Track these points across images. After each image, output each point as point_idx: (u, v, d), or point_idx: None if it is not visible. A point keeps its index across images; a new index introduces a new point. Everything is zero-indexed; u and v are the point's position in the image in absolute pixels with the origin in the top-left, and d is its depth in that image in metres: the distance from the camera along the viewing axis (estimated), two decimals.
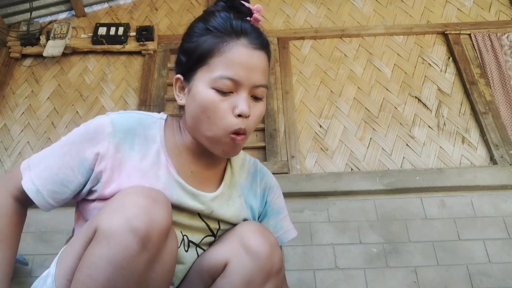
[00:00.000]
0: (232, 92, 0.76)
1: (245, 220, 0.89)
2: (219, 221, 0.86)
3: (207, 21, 0.80)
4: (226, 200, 0.87)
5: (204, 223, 0.84)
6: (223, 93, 0.75)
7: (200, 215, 0.84)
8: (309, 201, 2.02)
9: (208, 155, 0.84)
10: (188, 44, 0.81)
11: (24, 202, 0.81)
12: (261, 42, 0.81)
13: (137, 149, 0.80)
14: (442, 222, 1.96)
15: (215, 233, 0.86)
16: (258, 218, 0.96)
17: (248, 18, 0.83)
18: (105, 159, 0.77)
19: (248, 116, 0.77)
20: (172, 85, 2.47)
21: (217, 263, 0.77)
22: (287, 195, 1.99)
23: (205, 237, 0.85)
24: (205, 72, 0.77)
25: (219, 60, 0.76)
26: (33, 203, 0.79)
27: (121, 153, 0.78)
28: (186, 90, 0.81)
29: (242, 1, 0.84)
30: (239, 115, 0.75)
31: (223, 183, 0.88)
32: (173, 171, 0.80)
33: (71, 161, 0.77)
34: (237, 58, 0.76)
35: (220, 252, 0.78)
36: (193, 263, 0.84)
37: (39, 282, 0.78)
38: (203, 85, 0.76)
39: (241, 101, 0.76)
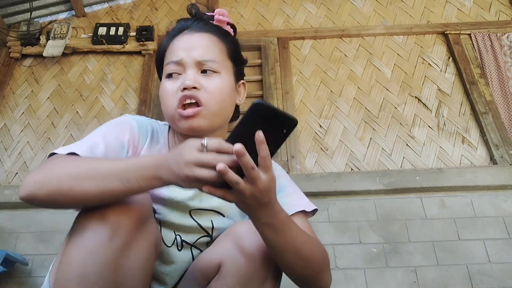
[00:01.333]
0: (181, 74, 0.83)
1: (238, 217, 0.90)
2: (212, 220, 0.87)
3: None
4: None
5: (195, 222, 0.86)
6: (171, 76, 0.83)
7: (191, 214, 0.86)
8: None
9: None
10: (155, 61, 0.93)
11: None
12: (202, 26, 0.87)
13: (146, 147, 0.86)
14: (442, 222, 1.96)
15: (210, 233, 0.87)
16: None
17: (211, 21, 0.91)
18: (131, 148, 0.83)
19: (194, 87, 0.79)
20: None
21: (210, 264, 0.76)
22: None
23: (200, 237, 0.86)
24: (163, 71, 0.87)
25: (167, 55, 0.87)
26: None
27: (137, 146, 0.85)
28: None
29: (206, 12, 0.92)
30: (184, 88, 0.79)
31: None
32: None
33: (113, 142, 0.81)
34: (177, 44, 0.85)
35: (213, 253, 0.77)
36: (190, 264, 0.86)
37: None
38: (162, 82, 0.86)
39: (184, 76, 0.81)
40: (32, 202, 0.66)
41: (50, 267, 0.77)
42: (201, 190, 0.61)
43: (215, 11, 0.92)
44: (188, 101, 0.79)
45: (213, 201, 0.87)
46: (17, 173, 2.25)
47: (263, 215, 0.66)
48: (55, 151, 0.76)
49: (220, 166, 0.58)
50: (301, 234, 0.73)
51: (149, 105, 2.44)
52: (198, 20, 0.89)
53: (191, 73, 0.81)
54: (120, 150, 0.81)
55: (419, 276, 1.82)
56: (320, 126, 2.35)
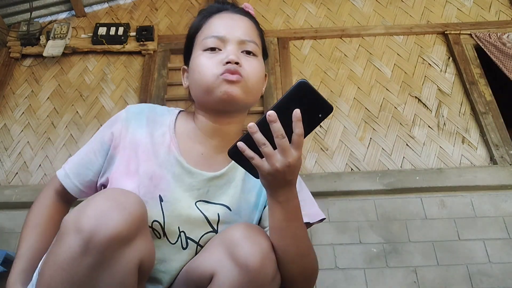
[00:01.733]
0: (221, 50, 0.81)
1: (244, 208, 0.86)
2: (218, 214, 0.84)
3: (198, 13, 0.91)
4: (228, 182, 0.86)
5: (202, 214, 0.82)
6: (211, 50, 0.81)
7: (196, 204, 0.82)
8: None
9: (219, 136, 0.87)
10: (188, 37, 0.90)
11: (64, 196, 0.91)
12: (242, 11, 0.90)
13: (144, 129, 0.85)
14: (442, 222, 1.96)
15: (216, 227, 0.83)
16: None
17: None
18: (118, 139, 0.84)
19: (238, 63, 0.78)
20: (171, 85, 2.52)
21: (203, 274, 0.72)
22: None
23: (205, 233, 0.82)
24: (196, 46, 0.85)
25: (202, 33, 0.85)
26: (72, 196, 0.89)
27: (130, 132, 0.84)
28: (188, 73, 0.88)
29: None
30: (227, 62, 0.78)
31: (228, 165, 0.87)
32: (175, 150, 0.84)
33: (94, 145, 0.87)
34: (218, 21, 0.84)
35: (207, 261, 0.73)
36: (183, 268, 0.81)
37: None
38: (196, 55, 0.84)
39: (229, 51, 0.80)
40: None
41: (38, 270, 0.73)
42: (229, 153, 0.68)
43: (243, 4, 0.94)
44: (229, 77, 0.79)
45: (222, 196, 0.85)
46: (17, 173, 2.25)
47: (281, 193, 0.69)
48: (58, 171, 0.91)
49: (251, 124, 0.64)
50: (303, 230, 0.75)
51: None
52: (236, 5, 0.91)
53: (233, 49, 0.81)
54: (99, 151, 0.87)
55: (419, 276, 1.82)
56: (320, 126, 2.35)
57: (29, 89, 2.57)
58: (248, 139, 0.66)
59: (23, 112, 2.48)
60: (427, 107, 2.38)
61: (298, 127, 0.63)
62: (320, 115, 0.65)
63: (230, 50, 0.80)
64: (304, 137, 0.65)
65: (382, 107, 2.40)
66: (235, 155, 0.68)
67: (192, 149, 0.86)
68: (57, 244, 0.62)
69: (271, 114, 0.62)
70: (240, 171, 0.88)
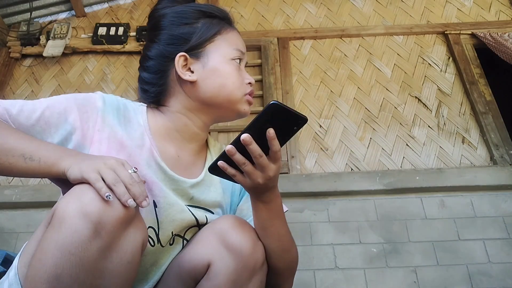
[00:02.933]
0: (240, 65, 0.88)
1: (223, 207, 0.92)
2: (206, 217, 0.86)
3: (199, 8, 0.89)
4: (207, 186, 0.89)
5: (193, 217, 0.84)
6: (238, 63, 0.87)
7: (189, 208, 0.85)
8: (309, 201, 2.02)
9: (196, 140, 0.89)
10: (187, 27, 0.86)
11: None
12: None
13: (123, 127, 0.81)
14: (442, 222, 1.96)
15: (198, 222, 0.85)
16: (240, 202, 0.97)
17: None
18: (91, 129, 0.77)
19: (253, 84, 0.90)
20: None
21: (199, 265, 0.75)
22: (287, 195, 2.00)
23: (190, 228, 0.85)
24: (219, 47, 0.86)
25: (225, 39, 0.87)
26: None
27: (107, 126, 0.79)
28: (194, 66, 0.85)
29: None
30: (249, 83, 0.88)
31: (204, 169, 0.89)
32: (157, 154, 0.82)
33: (51, 117, 0.75)
34: (237, 36, 0.91)
35: (201, 253, 0.76)
36: (171, 263, 0.83)
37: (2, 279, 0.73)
38: (222, 58, 0.85)
39: (247, 73, 0.89)
40: None
41: (17, 262, 0.69)
42: (210, 170, 0.71)
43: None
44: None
45: (206, 200, 0.88)
46: None
47: (265, 196, 0.75)
48: (5, 103, 0.74)
49: (229, 147, 0.67)
50: (286, 226, 0.82)
51: None
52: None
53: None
54: (57, 129, 0.75)
55: (419, 276, 1.82)
56: (320, 126, 2.35)
57: (29, 89, 2.57)
58: (227, 157, 0.69)
59: None
60: (427, 107, 2.38)
61: (273, 144, 0.67)
62: (295, 128, 0.69)
63: (246, 72, 0.90)
64: (281, 147, 0.70)
65: (382, 107, 2.40)
66: (216, 171, 0.72)
67: (168, 151, 0.84)
68: (55, 230, 0.60)
69: (245, 138, 0.66)
70: None
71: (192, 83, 0.84)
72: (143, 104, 0.88)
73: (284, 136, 0.69)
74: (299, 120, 0.68)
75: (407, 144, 2.26)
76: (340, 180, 2.06)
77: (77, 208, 0.61)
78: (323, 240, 1.92)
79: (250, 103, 0.88)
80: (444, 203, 2.01)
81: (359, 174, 2.10)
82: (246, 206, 0.94)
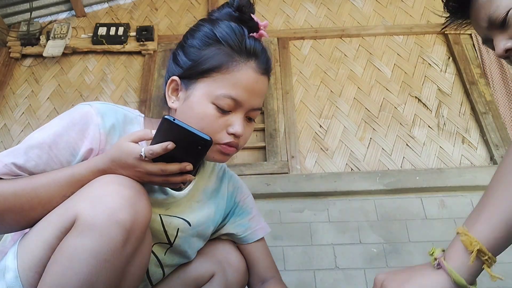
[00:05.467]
0: (231, 111, 0.77)
1: (205, 222, 0.94)
2: (178, 229, 0.87)
3: (217, 30, 0.78)
4: (190, 199, 0.89)
5: (162, 227, 0.84)
6: (222, 111, 0.76)
7: (160, 216, 0.83)
8: (309, 201, 2.02)
9: None
10: (194, 50, 0.79)
11: None
12: (268, 68, 0.83)
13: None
14: (442, 222, 1.96)
15: (172, 241, 0.87)
16: (226, 218, 1.00)
17: (253, 33, 0.83)
18: (98, 151, 0.75)
19: (240, 136, 0.78)
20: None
21: (205, 274, 0.94)
22: (287, 195, 2.01)
23: (156, 243, 0.86)
24: (208, 85, 0.76)
25: (226, 78, 0.75)
26: None
27: (109, 144, 0.76)
28: (181, 95, 0.79)
29: (251, 15, 0.83)
30: (233, 134, 0.77)
31: (191, 184, 0.89)
32: None
33: (59, 154, 0.72)
34: (245, 80, 0.76)
35: (207, 266, 0.95)
36: (175, 270, 0.95)
37: None
38: (203, 98, 0.76)
39: (237, 122, 0.77)
40: None
41: (15, 263, 0.66)
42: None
43: (263, 23, 0.86)
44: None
45: (185, 210, 0.87)
46: None
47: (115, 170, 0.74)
48: (6, 154, 0.70)
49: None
50: None
51: (149, 105, 2.44)
52: (264, 51, 0.83)
53: (241, 120, 0.78)
54: (68, 162, 0.73)
55: None
56: (320, 126, 2.35)
57: (29, 89, 2.57)
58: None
59: (23, 112, 2.48)
60: (427, 107, 2.38)
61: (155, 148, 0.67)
62: (199, 147, 0.68)
63: (238, 121, 0.77)
64: (195, 167, 0.70)
65: (382, 107, 2.40)
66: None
67: None
68: (86, 238, 0.60)
69: (146, 153, 0.68)
70: (204, 191, 0.92)
71: (174, 109, 0.81)
72: (141, 114, 0.85)
73: (192, 154, 0.69)
74: (199, 140, 0.67)
75: (407, 144, 2.26)
76: (340, 180, 2.06)
77: (109, 215, 0.61)
78: (323, 240, 1.92)
79: (224, 154, 0.78)
80: (444, 203, 2.01)
81: (359, 174, 2.10)
82: (240, 222, 1.03)
